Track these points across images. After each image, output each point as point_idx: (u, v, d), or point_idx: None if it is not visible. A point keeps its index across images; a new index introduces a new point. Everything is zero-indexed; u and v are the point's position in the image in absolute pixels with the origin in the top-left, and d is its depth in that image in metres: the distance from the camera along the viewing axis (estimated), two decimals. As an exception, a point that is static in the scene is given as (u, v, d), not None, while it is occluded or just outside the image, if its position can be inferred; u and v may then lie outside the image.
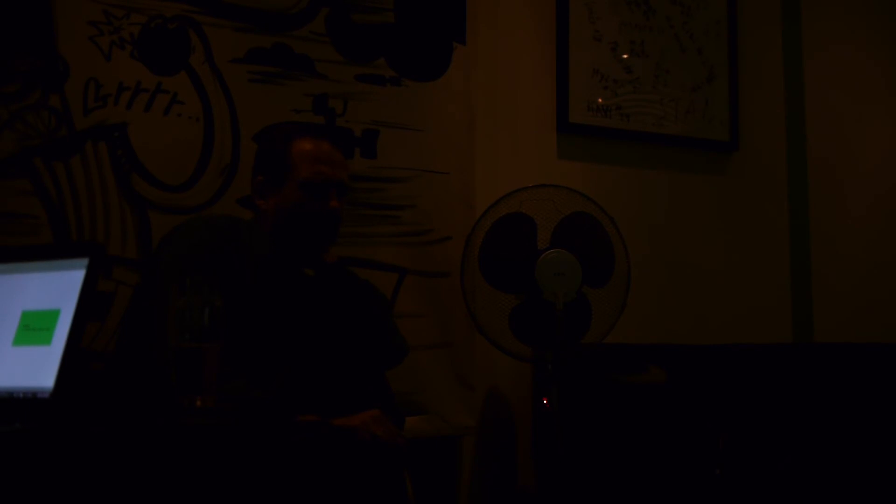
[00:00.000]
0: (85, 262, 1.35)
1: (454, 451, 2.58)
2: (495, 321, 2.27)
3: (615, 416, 2.50)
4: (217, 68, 2.28)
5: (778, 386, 2.69)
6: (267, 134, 2.22)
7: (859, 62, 3.35)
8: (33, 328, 1.34)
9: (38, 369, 1.29)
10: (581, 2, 2.83)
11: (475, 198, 2.56)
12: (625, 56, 2.90)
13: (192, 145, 2.25)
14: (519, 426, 2.67)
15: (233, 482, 1.26)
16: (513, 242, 2.26)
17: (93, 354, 2.06)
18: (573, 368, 2.37)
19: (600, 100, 2.85)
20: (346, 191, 1.92)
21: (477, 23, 2.64)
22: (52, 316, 1.33)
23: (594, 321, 2.31)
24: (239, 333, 1.55)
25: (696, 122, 3.00)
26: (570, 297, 2.23)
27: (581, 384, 2.46)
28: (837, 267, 3.21)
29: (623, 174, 2.90)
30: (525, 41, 2.79)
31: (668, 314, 2.91)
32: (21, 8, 2.08)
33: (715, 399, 2.61)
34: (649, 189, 2.94)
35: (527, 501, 2.62)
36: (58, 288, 1.35)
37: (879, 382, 2.75)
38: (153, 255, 2.08)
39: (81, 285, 1.32)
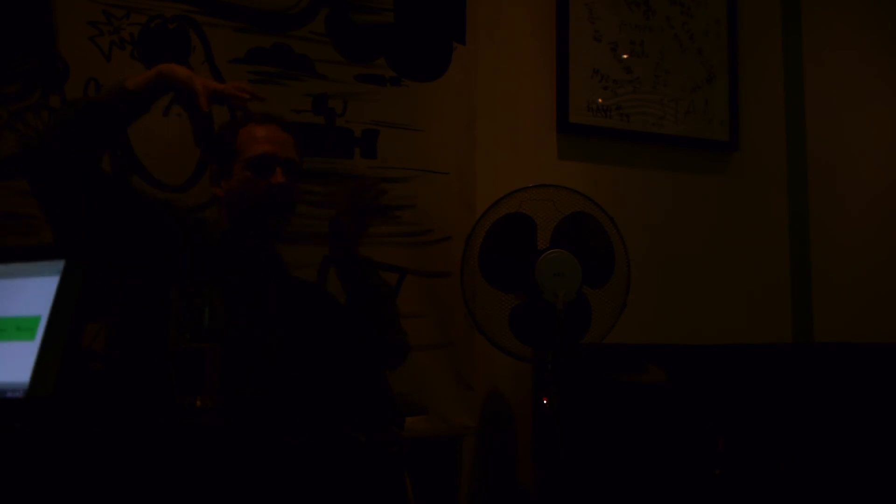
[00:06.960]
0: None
1: (454, 451, 2.58)
2: (495, 321, 2.27)
3: (615, 416, 2.50)
4: (217, 68, 2.28)
5: (778, 386, 2.69)
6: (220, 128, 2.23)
7: (859, 62, 3.35)
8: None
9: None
10: (581, 2, 2.83)
11: (475, 198, 2.56)
12: (625, 56, 2.90)
13: (192, 145, 2.25)
14: (519, 426, 2.67)
15: (232, 482, 1.26)
16: (513, 243, 2.25)
17: (93, 354, 2.06)
18: (573, 368, 2.37)
19: (600, 100, 2.85)
20: (297, 170, 1.91)
21: (477, 23, 2.64)
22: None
23: (594, 321, 2.30)
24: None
25: (696, 122, 3.00)
26: (570, 297, 2.22)
27: (581, 384, 2.46)
28: (837, 267, 3.21)
29: (623, 174, 2.90)
30: (525, 41, 2.79)
31: (668, 314, 2.91)
32: (21, 8, 2.09)
33: (715, 399, 2.61)
34: (649, 189, 2.94)
35: (527, 501, 2.62)
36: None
37: (879, 382, 2.75)
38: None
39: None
